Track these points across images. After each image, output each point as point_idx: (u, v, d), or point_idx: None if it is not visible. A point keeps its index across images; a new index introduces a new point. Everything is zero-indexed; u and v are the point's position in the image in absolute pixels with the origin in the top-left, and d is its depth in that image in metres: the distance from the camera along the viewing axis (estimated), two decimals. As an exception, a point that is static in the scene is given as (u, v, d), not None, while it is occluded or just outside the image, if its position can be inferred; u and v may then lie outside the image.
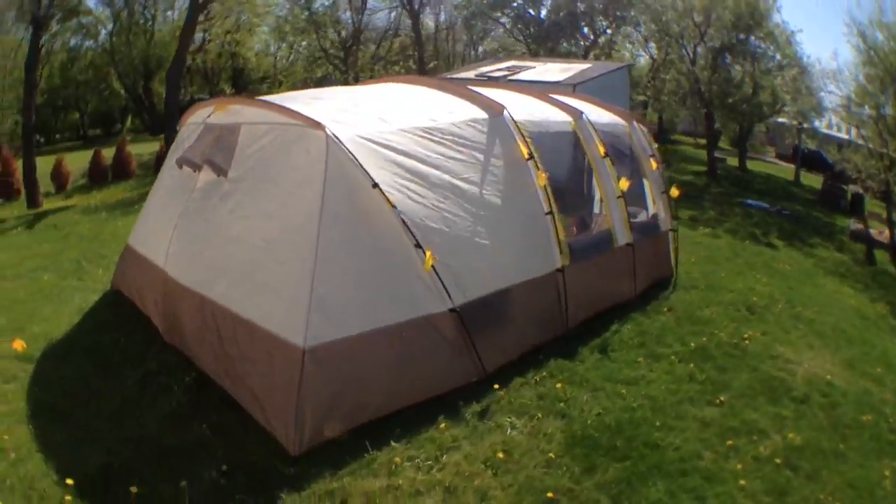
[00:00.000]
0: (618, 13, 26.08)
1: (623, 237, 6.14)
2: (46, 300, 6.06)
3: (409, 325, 3.93)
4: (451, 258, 4.20)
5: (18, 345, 4.00)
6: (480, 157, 4.80)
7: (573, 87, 10.97)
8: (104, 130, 30.94)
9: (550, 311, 5.11)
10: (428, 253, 3.82)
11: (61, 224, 10.55)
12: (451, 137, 4.66)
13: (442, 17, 31.11)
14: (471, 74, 13.46)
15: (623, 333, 5.48)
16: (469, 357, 4.24)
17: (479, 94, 5.45)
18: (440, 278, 4.05)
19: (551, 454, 3.60)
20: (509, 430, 3.80)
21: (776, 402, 4.50)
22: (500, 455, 3.52)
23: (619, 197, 6.12)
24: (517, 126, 5.23)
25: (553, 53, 24.68)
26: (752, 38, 17.21)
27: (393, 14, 27.76)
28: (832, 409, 4.57)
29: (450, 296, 4.09)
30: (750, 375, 4.89)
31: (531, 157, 5.12)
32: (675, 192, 7.01)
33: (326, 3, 26.24)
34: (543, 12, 27.24)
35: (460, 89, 5.60)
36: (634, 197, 6.94)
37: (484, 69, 14.21)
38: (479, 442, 3.66)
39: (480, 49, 31.52)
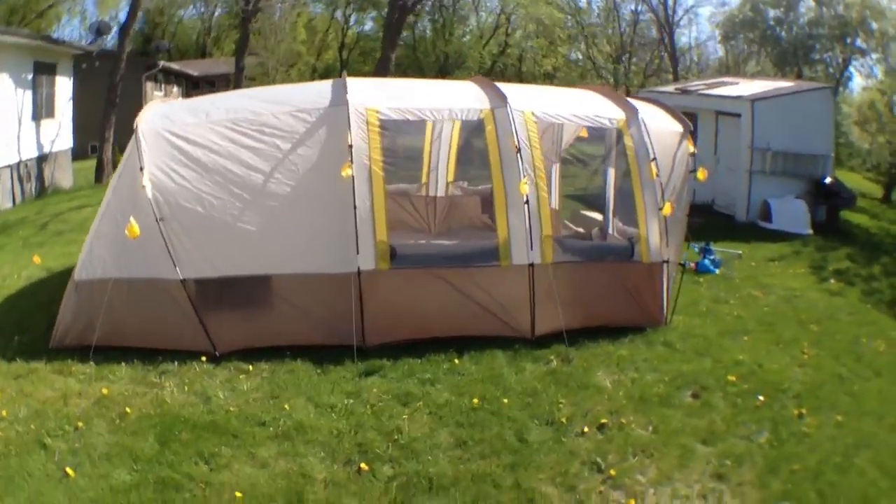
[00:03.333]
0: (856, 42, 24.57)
1: (525, 254, 5.46)
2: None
3: (145, 282, 4.92)
4: (192, 236, 4.94)
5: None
6: (286, 146, 5.20)
7: (752, 102, 10.87)
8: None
9: (342, 315, 5.12)
10: (131, 223, 4.69)
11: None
12: (259, 129, 5.22)
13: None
14: (670, 88, 14.83)
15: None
16: (199, 328, 4.96)
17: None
18: (169, 250, 4.87)
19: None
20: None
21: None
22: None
23: (525, 203, 5.45)
24: (368, 115, 5.29)
25: (798, 77, 23.66)
26: None
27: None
28: None
29: (177, 267, 4.87)
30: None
31: (351, 146, 5.14)
32: (667, 208, 5.75)
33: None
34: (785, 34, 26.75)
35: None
36: (623, 212, 6.42)
37: (690, 84, 15.46)
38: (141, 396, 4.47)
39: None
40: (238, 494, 3.50)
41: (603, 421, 4.36)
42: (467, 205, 8.78)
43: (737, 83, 13.39)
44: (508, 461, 3.94)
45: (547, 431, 4.26)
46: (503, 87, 6.24)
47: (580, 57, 29.85)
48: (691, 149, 6.30)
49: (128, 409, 4.22)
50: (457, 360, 5.15)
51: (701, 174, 6.36)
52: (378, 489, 3.65)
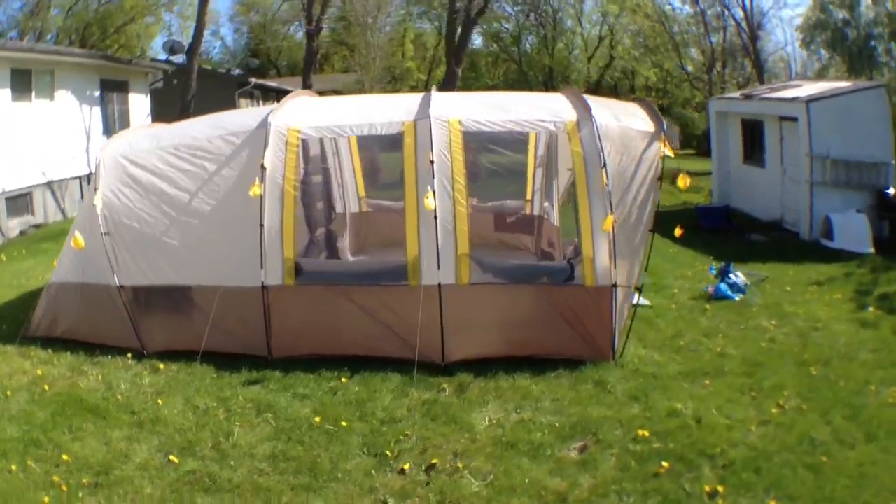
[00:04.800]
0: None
1: (435, 273, 5.34)
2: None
3: (94, 287, 5.79)
4: (130, 249, 5.71)
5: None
6: (212, 167, 5.77)
7: (806, 103, 10.14)
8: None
9: (251, 327, 5.49)
10: (76, 236, 5.58)
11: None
12: (192, 152, 5.84)
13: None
14: (736, 95, 14.51)
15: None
16: (132, 329, 5.72)
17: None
18: (110, 260, 5.70)
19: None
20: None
21: None
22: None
23: (434, 218, 5.36)
24: (289, 135, 5.62)
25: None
26: None
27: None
28: None
29: (115, 275, 5.68)
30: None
31: (263, 167, 5.53)
32: (607, 222, 5.19)
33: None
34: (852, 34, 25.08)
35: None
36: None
37: (755, 89, 15.09)
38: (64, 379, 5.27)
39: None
40: (65, 457, 4.11)
41: (434, 461, 4.05)
42: (479, 222, 8.51)
43: (800, 86, 12.39)
44: (303, 482, 3.91)
45: (367, 462, 4.11)
46: (447, 95, 6.12)
47: (673, 67, 29.66)
48: (665, 151, 5.50)
49: (46, 387, 5.05)
50: (344, 380, 5.16)
51: (681, 181, 5.57)
52: (171, 478, 3.93)
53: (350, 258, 7.84)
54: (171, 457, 4.15)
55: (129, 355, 5.58)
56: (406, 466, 4.01)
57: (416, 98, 6.19)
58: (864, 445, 4.18)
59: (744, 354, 5.60)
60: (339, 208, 8.34)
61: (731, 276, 7.39)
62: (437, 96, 6.01)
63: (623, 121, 5.81)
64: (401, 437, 4.34)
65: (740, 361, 5.45)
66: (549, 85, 30.47)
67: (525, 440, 4.25)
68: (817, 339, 5.96)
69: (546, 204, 8.21)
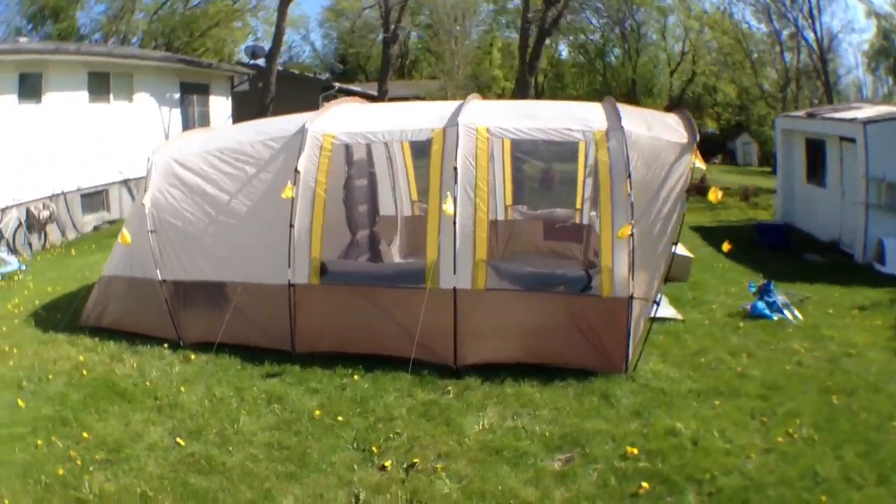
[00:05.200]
0: None
1: (451, 278, 5.40)
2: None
3: (139, 281, 6.28)
4: (173, 246, 6.17)
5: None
6: (252, 170, 6.16)
7: (864, 125, 9.92)
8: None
9: (278, 323, 5.76)
10: (123, 232, 6.12)
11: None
12: (235, 156, 6.24)
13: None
14: (801, 114, 14.38)
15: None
16: (170, 321, 6.16)
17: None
18: (154, 256, 6.20)
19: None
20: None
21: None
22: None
23: (453, 223, 5.43)
24: (324, 140, 5.90)
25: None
26: None
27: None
28: None
29: (157, 270, 6.17)
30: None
31: (297, 170, 5.83)
32: (624, 230, 5.07)
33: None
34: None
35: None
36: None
37: (819, 109, 14.94)
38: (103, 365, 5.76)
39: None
40: (86, 435, 4.49)
41: (416, 461, 4.08)
42: (530, 230, 8.52)
43: (861, 108, 12.14)
44: (289, 470, 4.07)
45: (353, 456, 4.21)
46: (482, 104, 6.19)
47: (751, 84, 30.11)
48: (697, 163, 5.29)
49: (85, 372, 5.53)
50: (356, 377, 5.29)
51: (713, 195, 5.33)
52: (174, 458, 4.21)
53: (397, 260, 8.01)
54: (179, 439, 4.43)
55: (166, 346, 6.00)
56: (388, 463, 4.06)
57: (452, 105, 6.28)
58: (874, 487, 3.74)
59: (765, 376, 5.25)
60: (391, 212, 8.52)
61: (771, 294, 6.95)
62: (471, 104, 6.08)
63: (654, 131, 5.64)
64: (392, 435, 4.38)
65: (759, 384, 5.12)
66: (631, 98, 30.56)
67: (512, 447, 4.19)
68: (847, 366, 5.49)
69: (593, 213, 8.01)
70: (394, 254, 8.36)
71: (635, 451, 4.08)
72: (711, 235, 11.85)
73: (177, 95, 15.58)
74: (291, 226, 5.72)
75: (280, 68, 20.50)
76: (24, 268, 9.04)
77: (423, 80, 32.30)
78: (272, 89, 17.29)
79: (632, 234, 5.10)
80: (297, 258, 5.73)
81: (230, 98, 18.06)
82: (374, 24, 37.36)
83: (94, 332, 6.35)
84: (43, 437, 4.48)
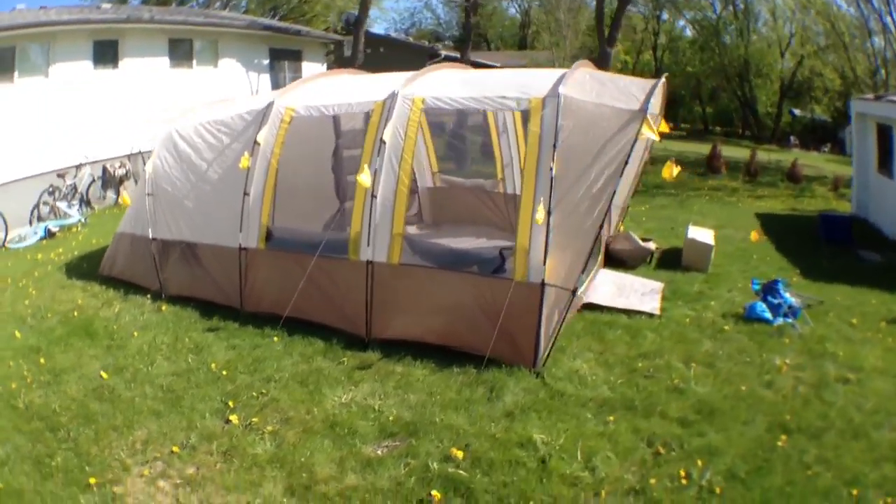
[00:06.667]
0: None
1: (368, 249, 5.54)
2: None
3: (138, 237, 7.14)
4: (163, 208, 6.96)
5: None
6: (227, 140, 6.75)
7: None
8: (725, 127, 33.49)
9: (232, 283, 6.32)
10: (123, 194, 7.03)
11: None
12: (217, 127, 6.85)
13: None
14: (870, 96, 13.93)
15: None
16: (156, 275, 7.01)
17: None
18: (148, 217, 7.06)
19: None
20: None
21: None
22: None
23: (373, 196, 5.56)
24: (285, 113, 6.29)
25: None
26: None
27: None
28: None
29: (149, 229, 7.02)
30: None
31: (256, 142, 6.33)
32: (539, 215, 4.73)
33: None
34: None
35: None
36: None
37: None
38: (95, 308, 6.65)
39: None
40: (42, 361, 5.35)
41: (255, 420, 4.37)
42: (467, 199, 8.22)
43: None
44: (158, 408, 4.57)
45: (214, 406, 4.60)
46: (440, 73, 6.19)
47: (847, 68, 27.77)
48: (648, 134, 4.86)
49: (76, 314, 6.49)
50: (276, 339, 5.64)
51: (667, 171, 4.93)
52: (92, 387, 4.93)
53: (417, 232, 8.20)
54: (104, 373, 5.12)
55: (149, 296, 6.80)
56: (234, 418, 4.34)
57: (411, 75, 6.29)
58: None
59: (708, 396, 4.55)
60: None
61: (777, 295, 6.01)
62: (429, 75, 6.05)
63: (603, 98, 5.21)
64: (257, 395, 4.65)
65: (692, 404, 4.45)
66: (744, 77, 27.67)
67: (348, 425, 4.25)
68: (833, 396, 4.58)
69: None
70: (411, 225, 8.57)
71: (460, 454, 3.85)
72: (775, 224, 10.51)
73: (265, 61, 15.89)
74: (246, 194, 6.16)
75: (393, 35, 21.30)
76: (84, 221, 10.56)
77: (535, 51, 31.70)
78: (360, 56, 17.94)
79: (549, 214, 4.80)
80: (249, 224, 6.17)
81: (325, 64, 18.49)
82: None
83: (105, 281, 7.37)
84: (14, 360, 5.42)
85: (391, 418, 4.29)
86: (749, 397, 4.57)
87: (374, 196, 5.44)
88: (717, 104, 35.71)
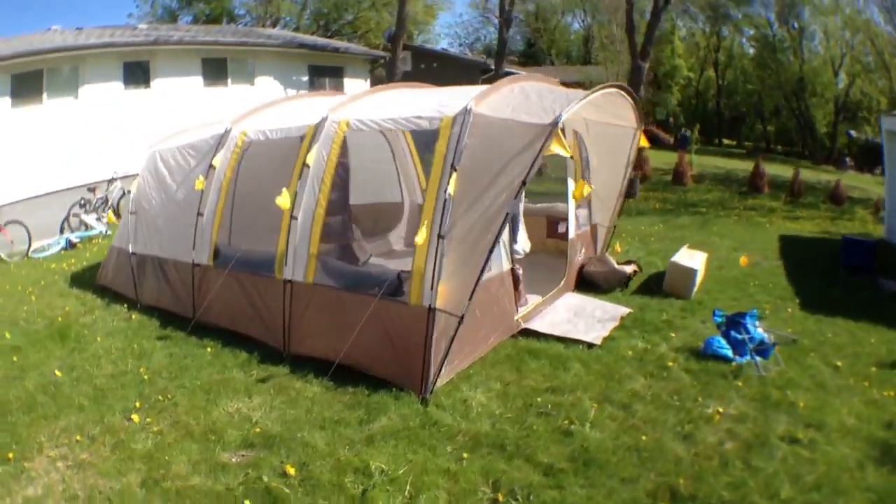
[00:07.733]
0: None
1: (287, 269, 6.02)
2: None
3: (123, 251, 7.95)
4: (141, 226, 7.80)
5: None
6: (193, 163, 7.48)
7: None
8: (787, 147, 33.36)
9: (189, 295, 6.97)
10: (108, 213, 7.91)
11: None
12: (188, 150, 7.58)
13: None
14: None
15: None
16: (133, 286, 7.83)
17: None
18: (129, 233, 7.91)
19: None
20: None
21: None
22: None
23: (294, 217, 6.02)
24: (238, 137, 6.95)
25: None
26: None
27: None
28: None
29: (129, 244, 7.87)
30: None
31: (212, 166, 7.02)
32: (420, 236, 4.99)
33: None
34: None
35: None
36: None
37: None
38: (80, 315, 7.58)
39: None
40: (15, 359, 6.14)
41: (150, 420, 4.90)
42: (532, 226, 8.30)
43: None
44: (82, 404, 5.17)
45: (125, 405, 5.15)
46: (384, 94, 6.61)
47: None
48: (557, 150, 5.00)
49: (60, 319, 7.36)
50: (209, 349, 6.22)
51: (577, 192, 5.11)
52: (46, 381, 5.61)
53: (397, 248, 8.65)
54: (58, 371, 5.83)
55: (126, 305, 7.57)
56: (135, 417, 4.90)
57: (352, 96, 6.75)
58: None
59: (596, 444, 4.25)
60: (397, 199, 9.15)
61: (743, 330, 5.65)
62: (369, 97, 6.48)
63: (517, 112, 5.31)
64: (164, 399, 5.21)
65: (570, 451, 4.17)
66: (798, 95, 26.85)
67: (221, 431, 4.64)
68: (763, 461, 3.95)
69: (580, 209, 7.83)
70: (396, 241, 9.03)
71: (293, 471, 4.06)
72: (797, 247, 9.99)
73: (304, 78, 16.45)
74: (200, 214, 6.81)
75: (448, 50, 21.70)
76: (107, 232, 11.64)
77: (581, 66, 31.53)
78: (399, 72, 18.42)
79: (441, 238, 5.04)
80: (203, 241, 6.82)
81: (368, 80, 18.85)
82: (560, 8, 37.34)
83: (99, 290, 8.26)
84: (-7, 358, 6.28)
85: (259, 430, 4.67)
86: (649, 450, 4.14)
87: (293, 217, 5.90)
88: (778, 123, 34.48)
